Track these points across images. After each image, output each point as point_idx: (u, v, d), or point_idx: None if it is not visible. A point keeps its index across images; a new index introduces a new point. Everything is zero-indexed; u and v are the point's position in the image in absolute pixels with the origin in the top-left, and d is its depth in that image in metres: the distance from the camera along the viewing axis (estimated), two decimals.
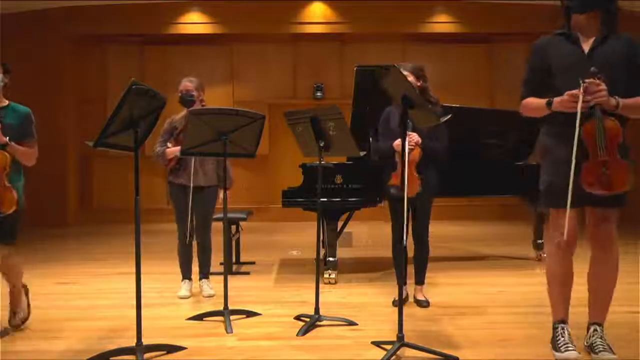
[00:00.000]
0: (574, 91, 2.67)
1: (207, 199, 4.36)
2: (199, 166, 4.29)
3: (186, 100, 4.28)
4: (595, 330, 2.90)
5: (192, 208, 4.28)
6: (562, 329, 2.90)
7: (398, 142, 3.63)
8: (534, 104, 2.93)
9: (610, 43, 2.82)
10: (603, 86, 2.64)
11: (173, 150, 4.24)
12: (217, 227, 4.53)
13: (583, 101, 2.64)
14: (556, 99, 2.77)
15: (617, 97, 2.68)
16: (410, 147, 3.70)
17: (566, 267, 2.94)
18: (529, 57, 3.06)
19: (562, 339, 2.88)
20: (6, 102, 3.46)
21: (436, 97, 4.17)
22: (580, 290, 3.01)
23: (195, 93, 4.30)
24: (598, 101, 2.65)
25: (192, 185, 4.24)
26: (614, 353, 2.80)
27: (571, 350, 2.82)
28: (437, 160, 3.97)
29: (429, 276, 4.25)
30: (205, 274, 4.47)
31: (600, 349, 2.82)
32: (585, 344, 2.93)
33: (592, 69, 2.66)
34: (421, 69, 4.10)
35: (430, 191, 3.98)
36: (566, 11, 2.91)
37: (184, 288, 4.38)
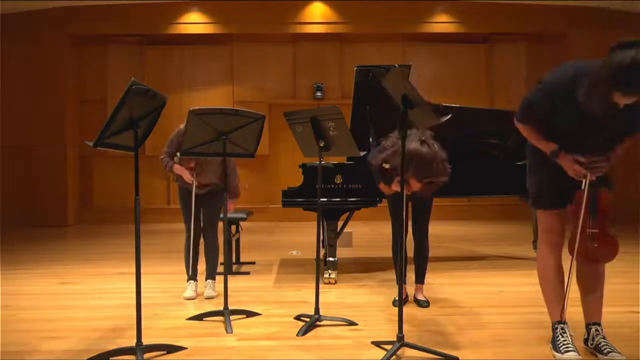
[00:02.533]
0: (579, 168, 2.68)
1: (213, 200, 4.38)
2: (203, 177, 4.33)
3: None
4: (597, 330, 2.90)
5: (197, 213, 4.36)
6: (562, 329, 2.90)
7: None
8: (536, 139, 2.84)
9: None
10: (603, 163, 2.67)
11: (181, 170, 4.32)
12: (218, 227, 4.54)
13: (583, 175, 2.68)
14: (562, 157, 2.72)
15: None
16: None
17: (558, 267, 2.96)
18: (551, 82, 2.70)
19: (562, 339, 2.88)
20: None
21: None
22: (572, 290, 3.01)
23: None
24: (597, 175, 2.69)
25: (193, 194, 4.28)
26: (620, 353, 2.80)
27: (571, 351, 2.82)
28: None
29: (429, 276, 4.25)
30: (211, 274, 4.47)
31: (608, 349, 2.82)
32: (590, 345, 2.93)
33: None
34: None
35: (432, 192, 3.98)
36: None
37: (189, 289, 4.37)
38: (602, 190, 2.75)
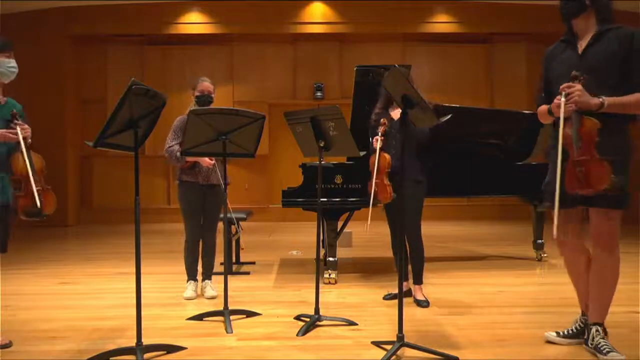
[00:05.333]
0: (557, 97, 2.78)
1: (217, 198, 4.35)
2: (214, 165, 4.27)
3: (208, 101, 4.31)
4: (597, 330, 2.92)
5: (206, 207, 4.32)
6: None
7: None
8: (542, 111, 3.03)
9: (603, 40, 2.84)
10: (576, 87, 2.71)
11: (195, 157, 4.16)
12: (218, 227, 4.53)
13: (557, 104, 2.75)
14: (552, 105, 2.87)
15: (602, 97, 2.71)
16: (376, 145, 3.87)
17: (574, 264, 3.03)
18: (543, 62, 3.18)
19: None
20: (5, 98, 3.35)
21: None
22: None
23: (213, 95, 4.37)
24: (573, 102, 2.70)
25: (225, 182, 4.10)
26: (619, 353, 2.82)
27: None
28: (419, 158, 4.00)
29: (429, 276, 4.25)
30: (209, 275, 4.46)
31: (607, 349, 2.83)
32: (590, 345, 2.94)
33: (573, 72, 2.74)
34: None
35: (416, 191, 3.99)
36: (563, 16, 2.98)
37: (190, 289, 4.35)
38: (585, 118, 2.71)
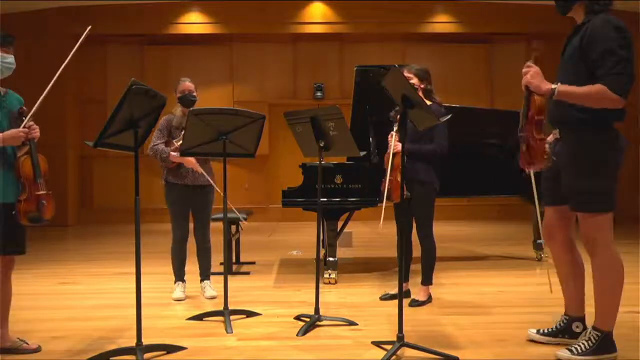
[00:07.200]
0: None
1: (206, 198, 4.35)
2: (202, 165, 4.26)
3: (190, 100, 4.26)
4: (590, 333, 2.88)
5: (186, 213, 4.31)
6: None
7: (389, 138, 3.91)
8: None
9: (578, 33, 2.82)
10: (528, 69, 2.79)
11: (177, 157, 4.11)
12: (217, 227, 4.52)
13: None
14: None
15: (555, 84, 2.72)
16: (394, 151, 3.79)
17: (561, 262, 3.08)
18: None
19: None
20: (5, 89, 3.32)
21: (439, 100, 4.20)
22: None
23: (195, 93, 4.32)
24: (525, 82, 2.80)
25: (224, 187, 4.04)
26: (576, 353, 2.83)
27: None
28: (427, 160, 3.97)
29: None
30: (207, 275, 4.44)
31: (577, 350, 2.83)
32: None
33: (532, 44, 2.82)
34: (426, 71, 4.16)
35: (422, 193, 3.98)
36: None
37: (178, 290, 4.32)
38: (535, 96, 2.78)
